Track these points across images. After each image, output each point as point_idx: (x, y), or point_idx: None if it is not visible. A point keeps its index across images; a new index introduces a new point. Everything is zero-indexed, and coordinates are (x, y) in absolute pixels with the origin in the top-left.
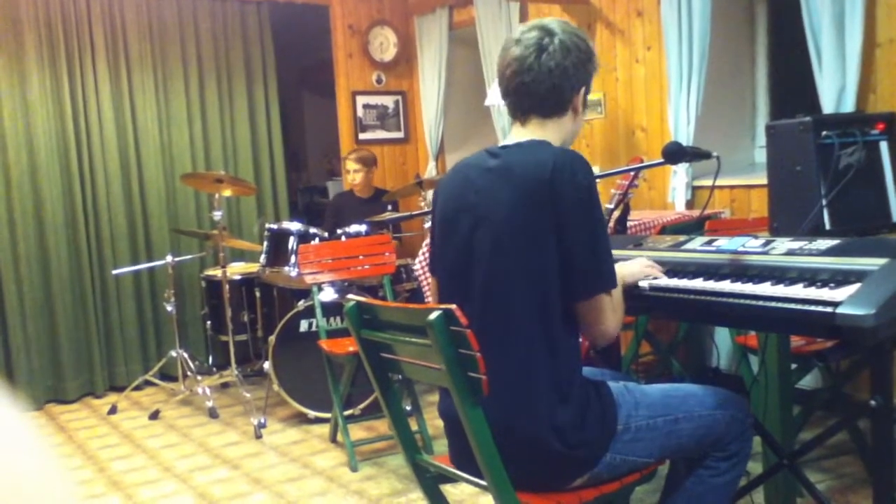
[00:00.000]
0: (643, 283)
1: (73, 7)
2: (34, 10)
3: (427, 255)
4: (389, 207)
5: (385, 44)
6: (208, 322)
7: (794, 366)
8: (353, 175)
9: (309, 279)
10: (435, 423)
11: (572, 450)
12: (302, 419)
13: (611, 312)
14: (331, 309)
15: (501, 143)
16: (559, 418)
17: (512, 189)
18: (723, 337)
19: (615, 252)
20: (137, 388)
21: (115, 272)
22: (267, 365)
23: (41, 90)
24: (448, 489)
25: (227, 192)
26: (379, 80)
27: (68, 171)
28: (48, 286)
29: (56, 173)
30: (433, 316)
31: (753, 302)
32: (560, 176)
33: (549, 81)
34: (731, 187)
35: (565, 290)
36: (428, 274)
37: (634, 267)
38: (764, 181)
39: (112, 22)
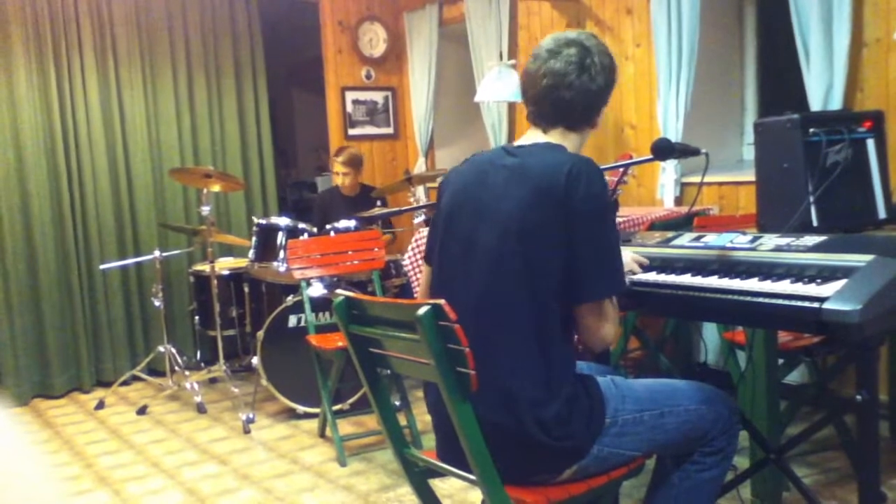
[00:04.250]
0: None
1: (61, 1)
2: (21, 4)
3: (417, 250)
4: (379, 203)
5: (374, 39)
6: (196, 317)
7: (780, 361)
8: (341, 178)
9: (298, 274)
10: (424, 417)
11: (559, 442)
12: (290, 414)
13: (611, 318)
14: (319, 304)
15: (492, 142)
16: (547, 415)
17: (526, 188)
18: (710, 333)
19: None
20: (125, 384)
21: (102, 267)
22: (255, 360)
23: (28, 85)
24: (437, 483)
25: (216, 188)
26: (368, 76)
27: (55, 166)
28: (35, 281)
29: (43, 168)
30: (422, 311)
31: (741, 297)
32: (576, 181)
33: (587, 101)
34: (720, 184)
35: (569, 292)
36: (418, 269)
37: (624, 261)
38: (752, 178)
39: (100, 16)
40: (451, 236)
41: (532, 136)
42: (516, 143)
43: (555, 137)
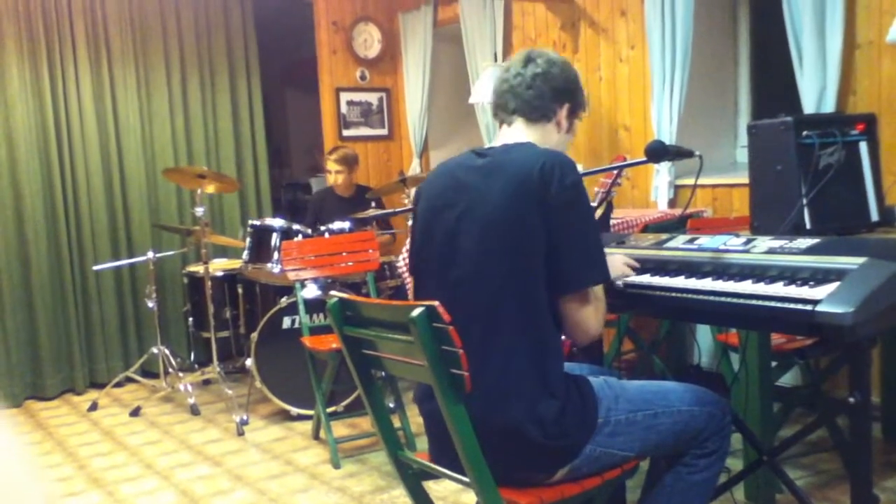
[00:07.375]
0: (618, 281)
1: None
2: (14, 1)
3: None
4: (374, 204)
5: (369, 40)
6: (190, 318)
7: (774, 363)
8: (334, 176)
9: (292, 276)
10: (417, 419)
11: (553, 441)
12: (284, 416)
13: (595, 310)
14: (314, 306)
15: (487, 144)
16: (542, 412)
17: (501, 183)
18: (704, 335)
19: None
20: (118, 385)
21: (95, 268)
22: (249, 362)
23: (21, 83)
24: (430, 486)
25: (210, 188)
26: (363, 77)
27: (48, 165)
28: (28, 282)
29: (36, 168)
30: (416, 312)
31: (734, 300)
32: (549, 174)
33: (534, 87)
34: (713, 186)
35: (553, 284)
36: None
37: (615, 265)
38: (745, 180)
39: (93, 15)
40: (432, 243)
41: (501, 137)
42: (488, 145)
43: (518, 131)
